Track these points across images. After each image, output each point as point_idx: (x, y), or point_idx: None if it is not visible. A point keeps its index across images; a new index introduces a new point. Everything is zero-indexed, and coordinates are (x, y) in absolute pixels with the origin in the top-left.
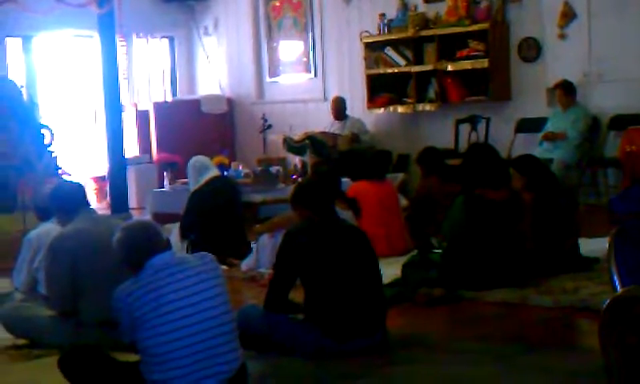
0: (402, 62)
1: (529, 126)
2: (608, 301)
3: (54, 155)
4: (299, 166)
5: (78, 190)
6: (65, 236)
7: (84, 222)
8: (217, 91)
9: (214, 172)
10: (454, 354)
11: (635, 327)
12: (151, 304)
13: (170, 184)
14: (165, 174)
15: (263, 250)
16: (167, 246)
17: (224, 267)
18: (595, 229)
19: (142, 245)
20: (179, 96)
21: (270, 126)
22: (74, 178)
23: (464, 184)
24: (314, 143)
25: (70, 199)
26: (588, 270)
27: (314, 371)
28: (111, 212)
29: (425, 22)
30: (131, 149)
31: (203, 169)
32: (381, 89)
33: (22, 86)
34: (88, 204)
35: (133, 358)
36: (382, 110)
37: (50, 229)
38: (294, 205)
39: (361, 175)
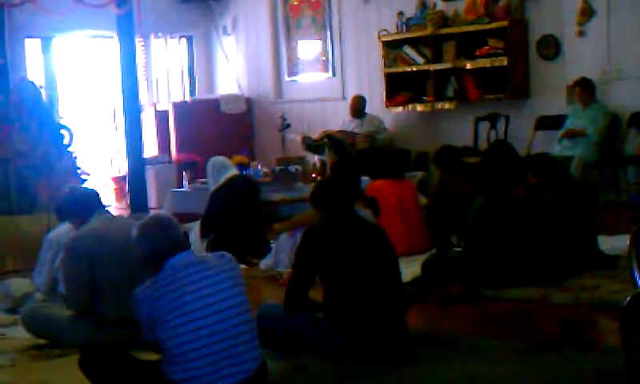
0: (420, 60)
1: (548, 123)
2: (629, 298)
3: (73, 155)
4: (318, 164)
5: (92, 195)
6: (81, 235)
7: (99, 221)
8: (235, 91)
9: (233, 171)
10: (474, 352)
11: None
12: (171, 304)
13: (189, 184)
14: (184, 173)
15: (282, 249)
16: (186, 243)
17: (243, 266)
18: (615, 226)
19: (161, 245)
20: (198, 96)
21: (288, 125)
22: (89, 184)
23: (483, 182)
24: (332, 142)
25: (84, 203)
26: (608, 267)
27: (333, 370)
28: (130, 212)
29: (443, 20)
30: (150, 149)
31: (222, 168)
32: (399, 87)
33: (41, 87)
34: (102, 207)
35: (154, 357)
36: (400, 108)
37: (71, 229)
38: (314, 204)
39: (380, 174)
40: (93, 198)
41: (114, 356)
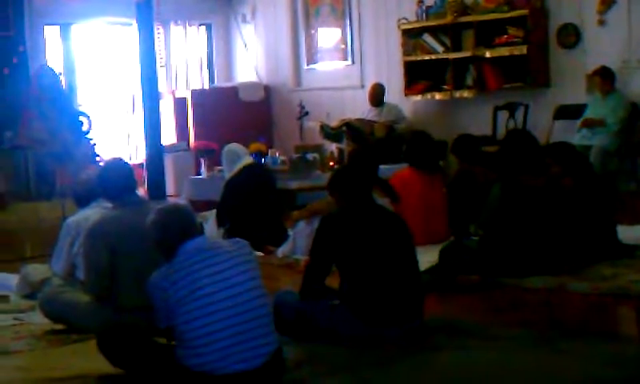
0: (439, 48)
1: (568, 112)
2: None
3: (91, 143)
4: (336, 153)
5: (125, 175)
6: (103, 221)
7: (125, 208)
8: (254, 79)
9: (248, 159)
10: (492, 340)
11: None
12: (186, 289)
13: (207, 171)
14: (202, 161)
15: (300, 237)
16: (200, 230)
17: (260, 254)
18: (635, 216)
19: (175, 230)
20: (217, 83)
21: (307, 113)
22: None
23: (502, 171)
24: (351, 130)
25: (115, 183)
26: (627, 256)
27: (350, 357)
28: (148, 199)
29: (463, 9)
30: (168, 136)
31: (236, 157)
32: (418, 76)
33: (60, 74)
34: (133, 189)
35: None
36: (419, 96)
37: (89, 214)
38: (331, 191)
39: (413, 162)
40: (124, 178)
41: (133, 336)
